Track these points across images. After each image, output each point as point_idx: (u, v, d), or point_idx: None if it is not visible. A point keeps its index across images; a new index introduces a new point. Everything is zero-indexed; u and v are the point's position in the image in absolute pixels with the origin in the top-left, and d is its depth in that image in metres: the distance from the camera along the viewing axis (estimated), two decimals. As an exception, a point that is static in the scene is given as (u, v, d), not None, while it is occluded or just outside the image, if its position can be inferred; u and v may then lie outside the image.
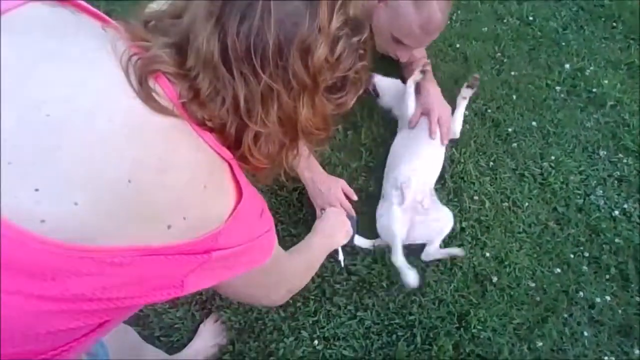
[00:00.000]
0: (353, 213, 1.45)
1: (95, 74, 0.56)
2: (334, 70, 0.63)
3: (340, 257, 1.42)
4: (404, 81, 1.70)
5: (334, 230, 1.27)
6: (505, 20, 2.17)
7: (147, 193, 0.55)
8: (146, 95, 0.55)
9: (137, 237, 0.55)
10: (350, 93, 0.70)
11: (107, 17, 0.64)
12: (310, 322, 1.41)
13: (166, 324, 1.40)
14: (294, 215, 1.58)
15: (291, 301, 1.43)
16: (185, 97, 0.58)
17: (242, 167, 0.66)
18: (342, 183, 1.50)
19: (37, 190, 0.49)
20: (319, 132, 0.69)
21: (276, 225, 1.49)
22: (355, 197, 1.51)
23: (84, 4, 0.63)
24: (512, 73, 1.99)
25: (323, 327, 1.40)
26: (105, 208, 0.53)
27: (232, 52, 0.57)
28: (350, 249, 1.51)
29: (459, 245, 1.55)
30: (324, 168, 1.53)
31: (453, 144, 1.74)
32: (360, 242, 1.51)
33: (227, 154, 0.62)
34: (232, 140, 0.62)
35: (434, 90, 1.62)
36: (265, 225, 0.71)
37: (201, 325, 1.39)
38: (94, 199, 0.52)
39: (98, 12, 0.64)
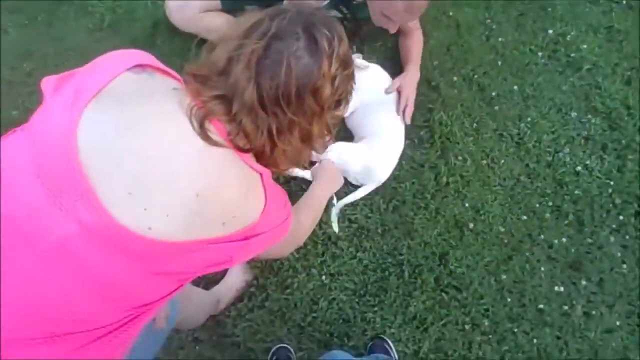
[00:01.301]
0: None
1: (171, 124, 0.81)
2: (334, 96, 0.89)
3: (335, 200, 1.71)
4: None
5: (332, 177, 1.52)
6: (497, -15, 2.33)
7: (210, 202, 0.80)
8: (205, 135, 0.81)
9: (205, 232, 0.81)
10: (344, 106, 0.95)
11: (173, 72, 0.89)
12: (319, 261, 1.74)
13: (203, 277, 1.74)
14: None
15: (303, 245, 1.76)
16: (234, 134, 0.84)
17: (272, 171, 0.93)
18: None
19: (145, 209, 0.77)
20: (326, 137, 0.97)
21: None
22: None
23: (157, 64, 0.89)
24: (500, 39, 2.19)
25: (329, 266, 1.74)
26: (185, 216, 0.79)
27: (266, 100, 0.82)
28: (350, 203, 1.82)
29: (443, 198, 1.85)
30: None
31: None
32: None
33: (259, 167, 0.88)
34: (268, 157, 0.89)
35: (412, 74, 1.91)
36: (285, 214, 0.99)
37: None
38: (178, 210, 0.78)
39: (167, 69, 0.89)
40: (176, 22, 1.96)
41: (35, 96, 2.08)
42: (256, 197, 0.88)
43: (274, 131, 0.84)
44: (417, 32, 1.98)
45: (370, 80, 1.90)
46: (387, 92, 1.89)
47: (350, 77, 0.92)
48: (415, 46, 1.97)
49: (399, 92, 1.89)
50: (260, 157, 0.89)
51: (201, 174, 0.80)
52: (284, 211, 0.99)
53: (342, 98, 0.92)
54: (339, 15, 1.90)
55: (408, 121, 1.89)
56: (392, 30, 1.82)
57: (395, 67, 2.03)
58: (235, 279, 1.69)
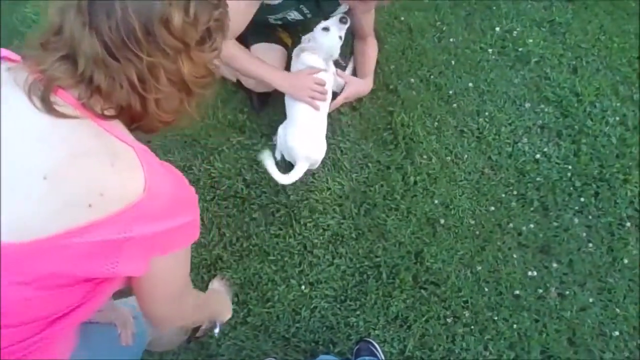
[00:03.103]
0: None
1: (6, 107, 0.70)
2: (196, 27, 0.75)
3: (217, 330, 1.40)
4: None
5: (223, 306, 1.42)
6: (443, -11, 2.42)
7: (65, 181, 0.68)
8: (48, 108, 0.69)
9: (69, 220, 0.67)
10: (218, 38, 0.81)
11: (12, 55, 0.78)
12: (297, 271, 1.74)
13: (180, 287, 1.71)
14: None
15: (280, 257, 1.77)
16: (86, 98, 0.71)
17: (159, 127, 0.83)
18: (306, 71, 1.80)
19: None
20: (205, 78, 0.82)
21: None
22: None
23: None
24: (451, 40, 2.26)
25: (307, 275, 1.74)
26: (37, 206, 0.67)
27: (112, 45, 0.69)
28: (322, 208, 1.83)
29: (413, 197, 1.89)
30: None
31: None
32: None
33: (130, 140, 0.75)
34: (141, 114, 0.78)
35: (368, 84, 2.02)
36: (190, 207, 0.81)
37: (209, 285, 1.71)
38: (26, 203, 0.67)
39: (5, 54, 0.79)
40: None
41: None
42: (131, 172, 0.73)
43: (135, 80, 0.73)
44: (371, 38, 2.03)
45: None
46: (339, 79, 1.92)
47: (215, 5, 0.79)
48: (371, 58, 2.02)
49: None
50: (135, 118, 0.79)
51: (48, 153, 0.69)
52: (185, 202, 0.81)
53: (210, 28, 0.78)
54: (300, 17, 1.91)
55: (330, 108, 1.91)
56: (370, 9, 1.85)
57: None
58: None
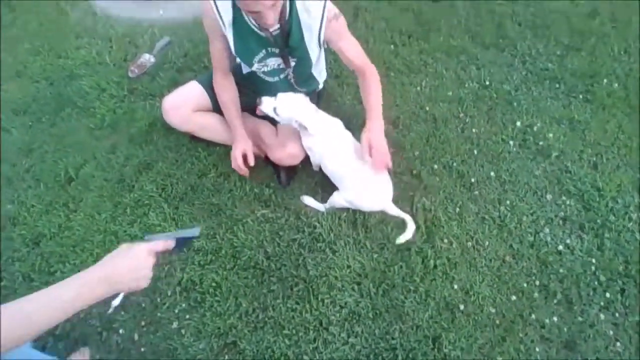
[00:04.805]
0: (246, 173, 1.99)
1: None
2: None
3: (116, 302, 1.11)
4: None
5: (130, 273, 1.00)
6: (466, 85, 2.56)
7: None
8: None
9: None
10: None
11: None
12: (311, 348, 1.71)
13: (192, 355, 1.69)
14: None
15: (294, 331, 1.74)
16: None
17: None
18: (247, 146, 1.97)
19: None
20: None
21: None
22: (252, 163, 1.96)
23: None
24: (474, 130, 2.36)
25: (321, 352, 1.70)
26: None
27: None
28: (340, 285, 1.82)
29: (432, 280, 1.87)
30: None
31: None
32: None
33: None
34: None
35: (375, 127, 1.85)
36: None
37: None
38: None
39: None
40: (172, 121, 2.10)
41: (30, 191, 2.15)
42: None
43: None
44: (370, 70, 1.93)
45: (333, 133, 1.98)
46: (364, 158, 1.83)
47: None
48: (372, 95, 1.90)
49: (369, 146, 1.81)
50: None
51: None
52: None
53: None
54: (277, 60, 1.92)
55: (390, 165, 1.84)
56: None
57: (350, 119, 2.15)
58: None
